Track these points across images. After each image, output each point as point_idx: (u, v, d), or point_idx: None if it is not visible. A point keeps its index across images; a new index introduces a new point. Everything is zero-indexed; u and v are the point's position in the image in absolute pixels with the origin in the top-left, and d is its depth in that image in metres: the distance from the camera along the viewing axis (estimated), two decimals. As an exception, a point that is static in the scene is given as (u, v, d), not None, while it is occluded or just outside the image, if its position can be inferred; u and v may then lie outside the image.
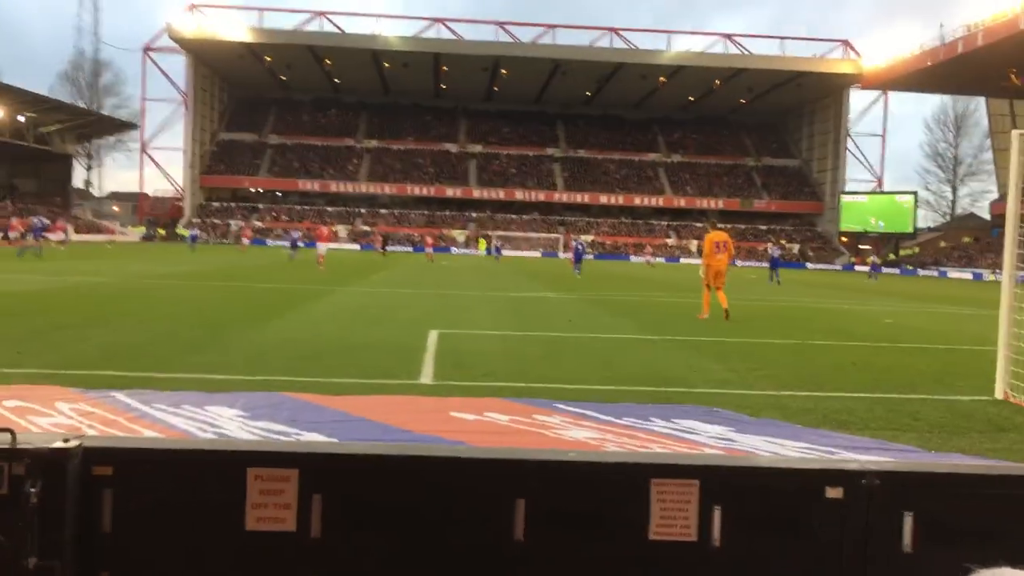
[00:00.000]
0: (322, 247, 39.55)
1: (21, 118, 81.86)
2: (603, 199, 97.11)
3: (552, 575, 3.09)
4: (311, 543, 3.04)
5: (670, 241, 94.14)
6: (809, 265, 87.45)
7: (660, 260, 79.00)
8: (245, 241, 66.59)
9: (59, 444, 2.90)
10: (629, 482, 3.19)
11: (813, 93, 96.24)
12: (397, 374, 9.50)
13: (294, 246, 47.54)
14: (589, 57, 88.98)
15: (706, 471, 3.06)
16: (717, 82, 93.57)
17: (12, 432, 2.89)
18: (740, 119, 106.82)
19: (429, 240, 64.31)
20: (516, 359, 11.09)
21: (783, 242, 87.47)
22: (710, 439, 6.87)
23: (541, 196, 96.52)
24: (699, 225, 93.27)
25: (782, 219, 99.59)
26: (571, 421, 7.26)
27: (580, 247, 42.31)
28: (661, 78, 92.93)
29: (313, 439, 6.24)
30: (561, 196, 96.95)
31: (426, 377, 9.47)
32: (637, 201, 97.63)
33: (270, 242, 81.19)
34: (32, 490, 2.83)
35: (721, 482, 3.05)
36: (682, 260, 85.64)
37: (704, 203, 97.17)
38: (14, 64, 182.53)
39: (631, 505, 3.23)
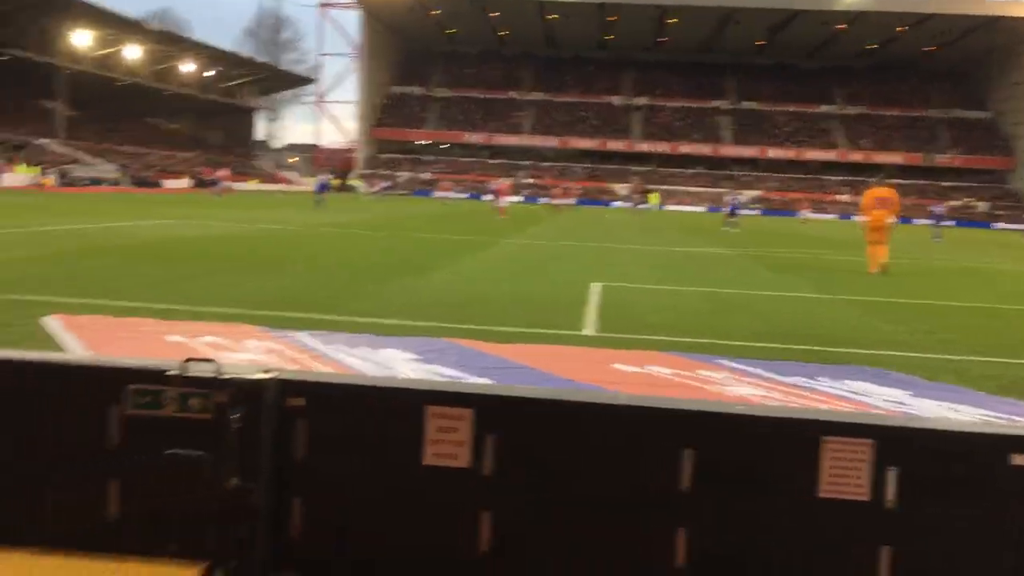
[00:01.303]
0: (503, 200, 43.78)
1: (209, 73, 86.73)
2: (772, 153, 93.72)
3: (719, 526, 3.11)
4: (483, 479, 3.18)
5: (842, 197, 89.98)
6: (999, 225, 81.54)
7: (812, 216, 75.28)
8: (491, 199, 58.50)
9: (258, 376, 3.15)
10: (799, 438, 3.16)
11: (1009, 38, 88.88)
12: (560, 325, 9.63)
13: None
14: (764, 4, 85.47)
15: (881, 431, 2.99)
16: (900, 28, 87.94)
17: (217, 363, 3.16)
18: (924, 67, 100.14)
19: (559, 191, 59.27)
20: (679, 313, 11.00)
21: (951, 203, 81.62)
22: (883, 402, 6.63)
23: (707, 150, 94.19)
24: (873, 180, 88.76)
25: (968, 175, 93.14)
26: (735, 377, 7.17)
27: (736, 204, 42.94)
28: (840, 25, 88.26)
29: (481, 382, 6.44)
30: (728, 150, 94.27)
31: (589, 328, 9.55)
32: (809, 155, 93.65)
33: (436, 194, 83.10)
34: (234, 416, 3.10)
35: (897, 442, 2.97)
36: (855, 218, 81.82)
37: (881, 158, 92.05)
38: (205, 22, 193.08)
39: (801, 462, 3.20)
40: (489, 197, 50.22)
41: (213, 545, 3.18)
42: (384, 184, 70.21)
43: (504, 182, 54.02)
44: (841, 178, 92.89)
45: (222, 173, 59.95)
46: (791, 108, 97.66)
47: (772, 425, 3.14)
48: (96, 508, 3.27)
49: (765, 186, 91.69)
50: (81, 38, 66.31)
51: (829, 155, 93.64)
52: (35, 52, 65.82)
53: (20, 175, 54.35)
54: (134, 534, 3.27)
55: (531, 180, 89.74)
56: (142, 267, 13.33)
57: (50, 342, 7.36)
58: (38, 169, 56.65)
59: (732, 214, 41.73)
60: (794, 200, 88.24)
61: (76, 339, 7.42)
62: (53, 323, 8.08)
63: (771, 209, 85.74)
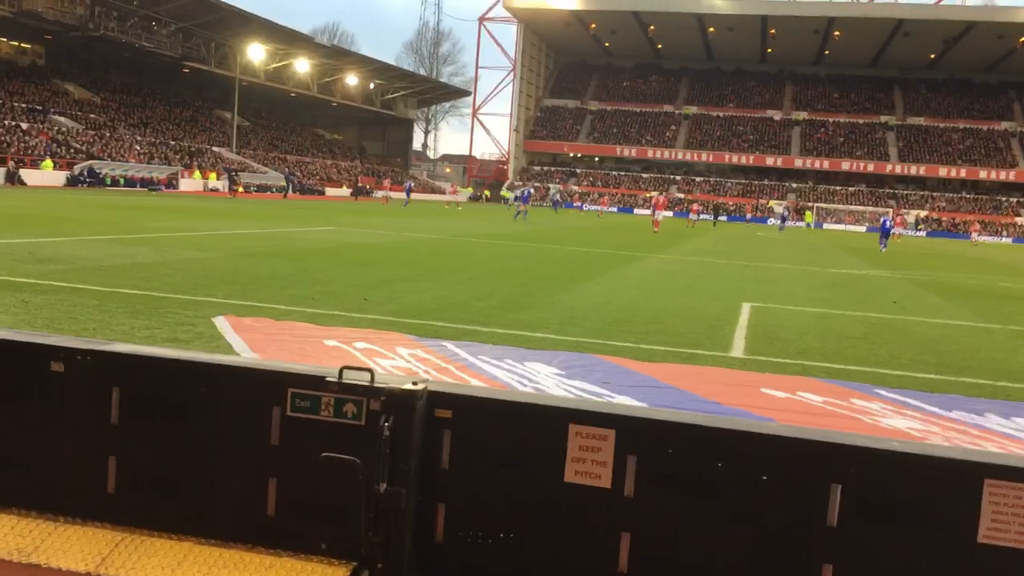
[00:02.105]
0: (659, 214, 45.03)
1: (371, 85, 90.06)
2: (942, 171, 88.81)
3: (865, 566, 3.00)
4: (624, 501, 3.19)
5: (1019, 220, 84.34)
6: None
7: (984, 239, 70.76)
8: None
9: (409, 386, 3.27)
10: (959, 480, 3.01)
11: None
12: (707, 345, 9.47)
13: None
14: (937, 16, 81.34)
15: None
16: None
17: (372, 372, 3.30)
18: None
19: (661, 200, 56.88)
20: (833, 338, 10.62)
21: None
22: (1056, 443, 6.20)
23: (870, 167, 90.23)
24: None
25: None
26: (892, 409, 6.87)
27: (888, 222, 41.68)
28: (1021, 38, 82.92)
29: (624, 401, 6.43)
30: (893, 167, 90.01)
31: (737, 350, 9.35)
32: (983, 175, 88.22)
33: (586, 206, 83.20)
34: (386, 424, 3.23)
35: None
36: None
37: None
38: (369, 36, 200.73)
39: (958, 504, 3.05)
40: (645, 211, 51.16)
41: (362, 546, 3.32)
42: (408, 185, 71.07)
43: (660, 196, 54.90)
44: (1018, 199, 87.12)
45: (386, 184, 65.25)
46: (963, 124, 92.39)
47: (929, 464, 3.01)
48: (256, 504, 3.47)
49: (932, 205, 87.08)
50: (256, 52, 70.16)
51: (1007, 175, 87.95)
52: (213, 65, 70.20)
53: (197, 180, 58.03)
54: (288, 531, 3.46)
55: (681, 195, 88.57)
56: (305, 272, 13.98)
57: (220, 341, 7.83)
58: (213, 175, 60.33)
59: (885, 233, 39.84)
60: (964, 221, 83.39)
61: (242, 339, 7.88)
62: (223, 323, 8.61)
63: (939, 230, 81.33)
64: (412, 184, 71.98)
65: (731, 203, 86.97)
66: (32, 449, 3.62)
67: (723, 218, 73.06)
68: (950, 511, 2.96)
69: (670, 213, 45.43)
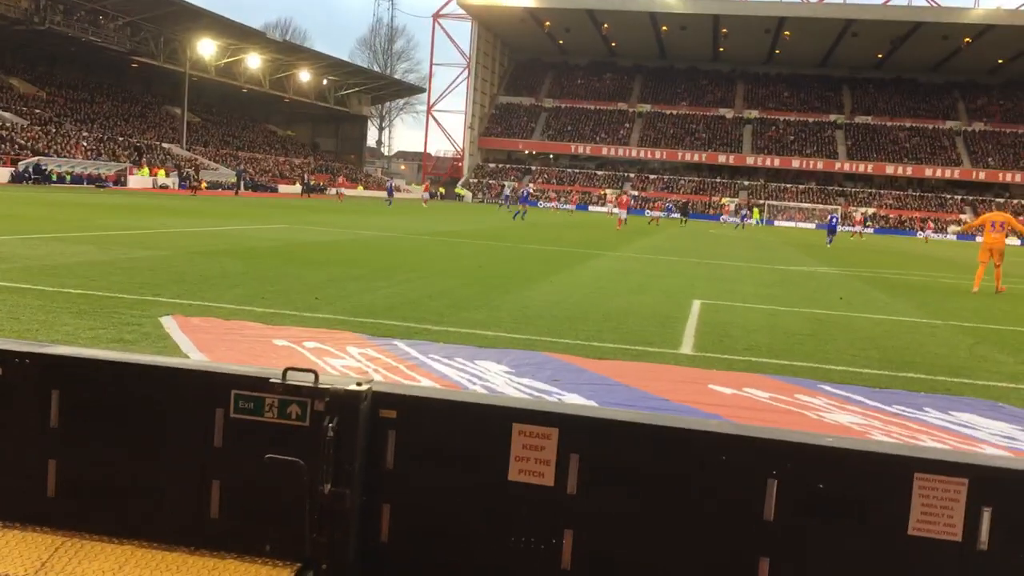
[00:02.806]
0: (622, 213, 47.25)
1: (325, 81, 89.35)
2: (889, 169, 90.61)
3: (802, 559, 3.07)
4: (567, 499, 3.22)
5: (964, 217, 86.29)
6: None
7: (933, 236, 72.33)
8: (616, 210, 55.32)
9: (353, 387, 3.27)
10: (890, 473, 3.09)
11: None
12: (657, 342, 9.58)
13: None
14: (884, 16, 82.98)
15: (977, 470, 2.90)
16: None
17: (316, 373, 3.29)
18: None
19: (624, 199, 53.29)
20: (781, 335, 10.79)
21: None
22: (990, 436, 6.38)
23: (820, 165, 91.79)
24: (1000, 201, 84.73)
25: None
26: (836, 404, 7.01)
27: (835, 219, 44.70)
28: (966, 39, 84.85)
29: (573, 400, 6.48)
30: (843, 165, 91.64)
31: (686, 347, 9.46)
32: (928, 172, 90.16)
33: (541, 204, 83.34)
34: (330, 425, 3.23)
35: (993, 483, 2.88)
36: (978, 238, 78.23)
37: (1008, 176, 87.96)
38: (323, 31, 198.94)
39: (891, 498, 3.13)
40: (607, 208, 52.59)
41: (306, 547, 3.32)
42: (389, 184, 71.96)
43: (623, 195, 57.47)
44: (962, 197, 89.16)
45: (341, 181, 65.43)
46: (910, 123, 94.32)
47: (861, 459, 3.09)
48: (199, 506, 3.45)
49: (880, 203, 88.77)
50: (206, 47, 69.19)
51: (951, 173, 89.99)
52: (163, 60, 69.10)
53: (146, 177, 57.06)
54: (232, 533, 3.43)
55: (635, 193, 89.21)
56: (256, 271, 13.85)
57: (168, 341, 7.74)
58: (162, 172, 59.36)
59: (831, 230, 42.43)
60: (911, 218, 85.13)
61: (189, 340, 7.80)
62: (170, 323, 8.50)
63: (887, 228, 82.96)
64: (393, 183, 72.56)
65: (686, 200, 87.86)
66: None
67: (751, 221, 72.79)
68: (882, 505, 3.04)
69: (623, 213, 46.58)
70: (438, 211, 53.06)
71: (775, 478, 3.11)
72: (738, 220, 66.69)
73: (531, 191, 56.00)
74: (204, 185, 58.34)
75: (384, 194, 64.35)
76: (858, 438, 5.51)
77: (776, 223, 79.04)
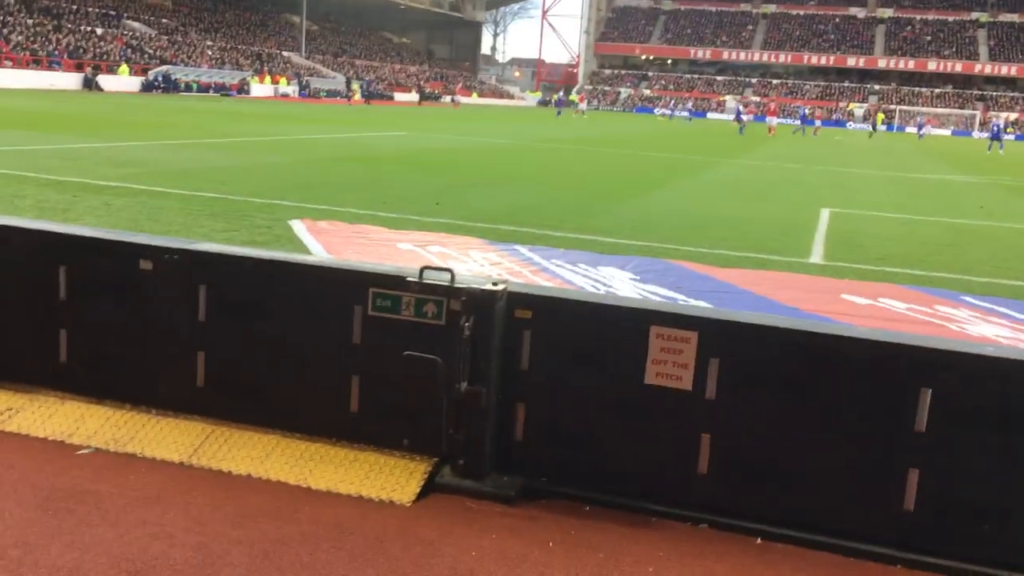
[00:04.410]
0: (772, 120, 47.69)
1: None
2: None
3: (955, 471, 2.94)
4: (705, 403, 3.16)
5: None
6: None
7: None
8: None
9: (489, 287, 3.26)
10: None
11: None
12: (785, 251, 9.28)
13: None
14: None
15: None
16: None
17: (452, 272, 3.29)
18: None
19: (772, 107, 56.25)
20: (917, 244, 10.30)
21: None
22: None
23: (959, 67, 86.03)
24: None
25: None
26: (979, 316, 6.66)
27: (997, 126, 42.15)
28: None
29: (701, 306, 6.35)
30: (983, 67, 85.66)
31: (816, 256, 9.14)
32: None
33: (657, 111, 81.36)
34: (466, 324, 3.24)
35: None
36: None
37: None
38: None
39: None
40: (746, 117, 50.56)
41: (443, 443, 3.38)
42: (559, 99, 70.59)
43: (772, 103, 58.02)
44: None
45: (460, 89, 64.80)
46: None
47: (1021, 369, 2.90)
48: (339, 401, 3.54)
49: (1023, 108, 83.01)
50: (323, -46, 69.42)
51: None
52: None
53: (267, 85, 58.21)
54: (371, 427, 3.53)
55: (756, 99, 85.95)
56: (378, 176, 14.02)
57: (297, 243, 7.94)
58: (284, 80, 60.42)
59: (996, 137, 40.45)
60: (1057, 125, 79.37)
61: (317, 242, 7.97)
62: (299, 226, 8.71)
63: (1030, 134, 77.71)
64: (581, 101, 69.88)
65: (808, 106, 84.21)
66: (124, 345, 3.73)
67: (883, 127, 64.10)
68: None
69: (773, 120, 46.40)
70: (550, 119, 52.44)
71: (928, 387, 2.97)
72: (919, 130, 58.04)
73: (745, 105, 54.11)
74: (356, 95, 59.54)
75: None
76: (1018, 348, 5.23)
77: (907, 129, 74.69)
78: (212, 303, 3.59)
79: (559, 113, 57.19)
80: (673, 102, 77.15)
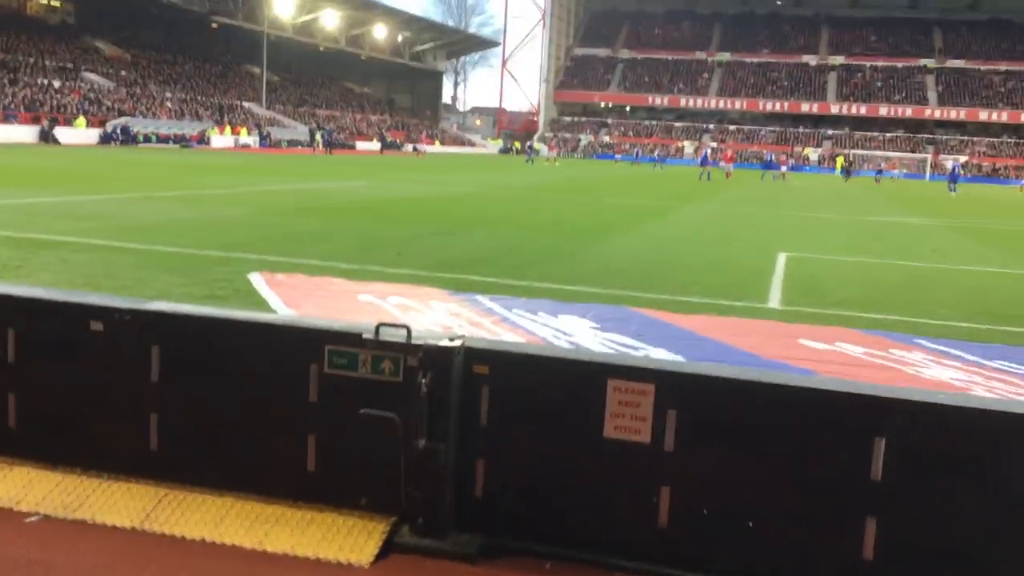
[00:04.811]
0: (728, 166, 48.94)
1: (400, 38, 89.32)
2: (983, 115, 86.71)
3: (914, 520, 2.96)
4: (664, 455, 3.16)
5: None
6: None
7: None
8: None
9: (446, 342, 3.25)
10: (1008, 430, 2.94)
11: None
12: (744, 296, 9.38)
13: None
14: (978, -47, 78.81)
15: None
16: None
17: (408, 328, 3.28)
18: None
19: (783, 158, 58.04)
20: (873, 288, 10.47)
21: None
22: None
23: (909, 111, 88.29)
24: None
25: None
26: (933, 359, 6.76)
27: (957, 168, 44.46)
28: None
29: (660, 354, 6.38)
30: (933, 112, 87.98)
31: (774, 301, 9.25)
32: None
33: (618, 156, 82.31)
34: (423, 380, 3.22)
35: None
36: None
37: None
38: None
39: (1010, 456, 2.98)
40: (717, 162, 50.77)
41: (401, 501, 3.34)
42: (529, 144, 72.40)
43: (728, 149, 58.71)
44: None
45: (423, 138, 67.74)
46: (1005, 67, 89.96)
47: (977, 417, 2.94)
48: (296, 460, 3.49)
49: (972, 151, 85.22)
50: (284, 5, 69.70)
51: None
52: (241, 19, 69.90)
53: (228, 136, 58.08)
54: (329, 486, 3.47)
55: (714, 144, 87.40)
56: (338, 227, 13.99)
57: (256, 296, 7.87)
58: (244, 130, 60.34)
59: (954, 179, 42.06)
60: (1007, 167, 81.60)
61: (277, 295, 7.92)
62: (258, 279, 8.65)
63: (979, 176, 79.69)
64: (532, 146, 73.73)
65: (765, 151, 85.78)
66: (75, 408, 3.65)
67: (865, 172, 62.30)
68: (1002, 463, 2.90)
69: (730, 167, 47.14)
70: (511, 166, 52.86)
71: (882, 436, 2.99)
72: (843, 175, 57.92)
73: (712, 149, 53.87)
74: (319, 145, 60.07)
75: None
76: (968, 394, 5.30)
77: (862, 173, 76.16)
78: (165, 363, 3.54)
79: (529, 160, 58.39)
80: (637, 149, 77.90)
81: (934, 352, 7.00)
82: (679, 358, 6.22)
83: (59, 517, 3.36)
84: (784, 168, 54.05)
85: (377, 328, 3.27)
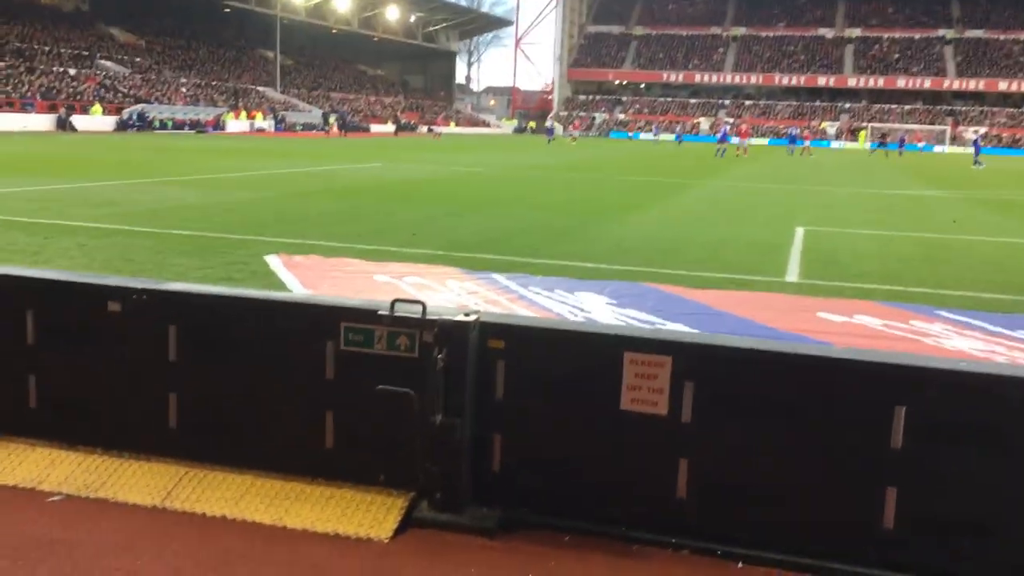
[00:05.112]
0: (744, 141, 47.82)
1: (412, 18, 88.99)
2: (1003, 85, 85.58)
3: (934, 488, 2.93)
4: (681, 428, 3.15)
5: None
6: None
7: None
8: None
9: (461, 317, 3.25)
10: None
11: None
12: (761, 270, 9.32)
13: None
14: (997, -80, 77.50)
15: None
16: None
17: (423, 304, 3.28)
18: None
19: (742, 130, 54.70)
20: (891, 260, 10.38)
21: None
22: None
23: (927, 83, 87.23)
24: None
25: None
26: (954, 330, 6.71)
27: (979, 140, 44.08)
28: (1089, -60, 78.74)
29: (678, 329, 6.36)
30: (951, 83, 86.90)
31: (792, 275, 9.19)
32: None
33: (631, 134, 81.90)
34: (439, 356, 3.22)
35: None
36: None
37: None
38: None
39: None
40: (734, 139, 49.28)
41: (419, 477, 3.34)
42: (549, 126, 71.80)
43: (743, 124, 57.49)
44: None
45: (440, 119, 68.19)
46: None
47: (1000, 384, 2.91)
48: (314, 437, 3.50)
49: (991, 122, 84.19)
50: (296, -11, 69.72)
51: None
52: (254, 4, 69.83)
53: (243, 121, 58.19)
54: (347, 463, 3.48)
55: (729, 119, 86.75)
56: (354, 209, 14.01)
57: (273, 278, 7.90)
58: (259, 115, 60.41)
59: (977, 151, 42.17)
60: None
61: (294, 277, 7.94)
62: (275, 261, 8.67)
63: (999, 147, 78.77)
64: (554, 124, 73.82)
65: (783, 125, 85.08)
66: (94, 388, 3.68)
67: (892, 145, 55.79)
68: (1020, 431, 2.87)
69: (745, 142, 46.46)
70: (528, 145, 52.67)
71: (903, 405, 2.97)
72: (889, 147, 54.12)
73: (730, 125, 52.29)
74: (332, 128, 60.12)
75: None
76: (993, 363, 5.25)
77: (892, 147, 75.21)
78: (182, 343, 3.55)
79: (550, 140, 57.48)
80: (655, 127, 77.49)
81: (956, 323, 6.94)
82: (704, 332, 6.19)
83: (81, 496, 3.39)
84: (808, 143, 52.98)
85: (392, 304, 3.27)
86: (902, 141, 55.98)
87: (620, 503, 3.24)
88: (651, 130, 76.64)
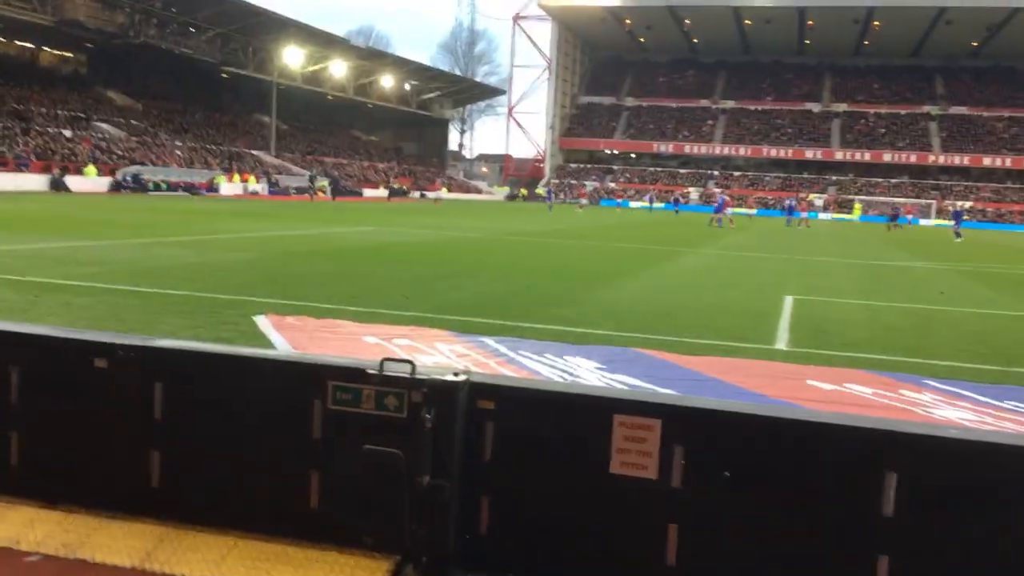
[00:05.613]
0: (730, 211, 48.56)
1: (407, 86, 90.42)
2: (987, 161, 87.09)
3: (927, 556, 2.90)
4: (671, 492, 3.12)
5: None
6: None
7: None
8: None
9: (451, 377, 3.23)
10: (1022, 465, 2.89)
11: None
12: (751, 338, 9.34)
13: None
14: (980, 3, 79.75)
15: None
16: None
17: (413, 364, 3.26)
18: None
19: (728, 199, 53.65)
20: (880, 330, 10.41)
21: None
22: (1116, 434, 6.00)
23: (912, 158, 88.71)
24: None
25: None
26: (943, 400, 6.70)
27: (961, 213, 43.65)
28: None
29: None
30: (936, 158, 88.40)
31: (781, 343, 9.20)
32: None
33: (632, 203, 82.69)
34: (427, 416, 3.19)
35: None
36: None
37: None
38: (404, 36, 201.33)
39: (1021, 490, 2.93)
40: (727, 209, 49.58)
41: (406, 540, 3.29)
42: (549, 192, 72.47)
43: (727, 196, 57.85)
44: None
45: (438, 184, 69.95)
46: (1008, 113, 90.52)
47: (990, 451, 2.90)
48: (299, 497, 3.45)
49: (977, 196, 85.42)
50: (293, 56, 70.70)
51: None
52: (251, 70, 70.87)
53: (236, 184, 58.58)
54: (332, 524, 3.42)
55: (718, 190, 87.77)
56: (345, 271, 14.03)
57: (262, 339, 7.86)
58: (252, 178, 60.86)
59: (957, 223, 41.87)
60: (1011, 212, 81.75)
61: (283, 337, 7.91)
62: (264, 322, 8.65)
63: (984, 221, 79.79)
64: (553, 191, 75.29)
65: (770, 197, 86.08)
66: (77, 446, 3.63)
67: (903, 219, 57.13)
68: (1015, 498, 2.85)
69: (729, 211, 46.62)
70: (521, 213, 53.05)
71: (893, 471, 2.95)
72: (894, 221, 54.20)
73: (727, 199, 51.85)
74: (319, 192, 60.51)
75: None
76: (982, 429, 5.23)
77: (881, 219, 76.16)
78: (168, 400, 3.52)
79: (550, 208, 57.88)
80: (650, 195, 78.32)
81: (944, 393, 6.94)
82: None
83: (60, 556, 3.32)
84: (804, 215, 53.33)
85: (381, 363, 3.25)
86: (896, 215, 56.82)
87: (609, 569, 3.20)
88: (644, 199, 77.31)
